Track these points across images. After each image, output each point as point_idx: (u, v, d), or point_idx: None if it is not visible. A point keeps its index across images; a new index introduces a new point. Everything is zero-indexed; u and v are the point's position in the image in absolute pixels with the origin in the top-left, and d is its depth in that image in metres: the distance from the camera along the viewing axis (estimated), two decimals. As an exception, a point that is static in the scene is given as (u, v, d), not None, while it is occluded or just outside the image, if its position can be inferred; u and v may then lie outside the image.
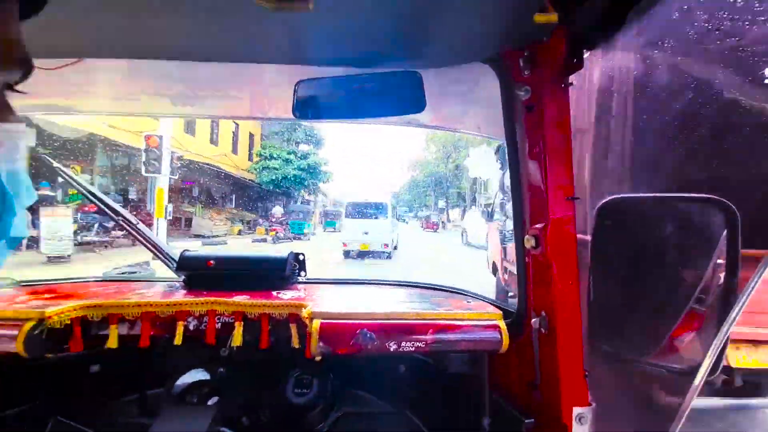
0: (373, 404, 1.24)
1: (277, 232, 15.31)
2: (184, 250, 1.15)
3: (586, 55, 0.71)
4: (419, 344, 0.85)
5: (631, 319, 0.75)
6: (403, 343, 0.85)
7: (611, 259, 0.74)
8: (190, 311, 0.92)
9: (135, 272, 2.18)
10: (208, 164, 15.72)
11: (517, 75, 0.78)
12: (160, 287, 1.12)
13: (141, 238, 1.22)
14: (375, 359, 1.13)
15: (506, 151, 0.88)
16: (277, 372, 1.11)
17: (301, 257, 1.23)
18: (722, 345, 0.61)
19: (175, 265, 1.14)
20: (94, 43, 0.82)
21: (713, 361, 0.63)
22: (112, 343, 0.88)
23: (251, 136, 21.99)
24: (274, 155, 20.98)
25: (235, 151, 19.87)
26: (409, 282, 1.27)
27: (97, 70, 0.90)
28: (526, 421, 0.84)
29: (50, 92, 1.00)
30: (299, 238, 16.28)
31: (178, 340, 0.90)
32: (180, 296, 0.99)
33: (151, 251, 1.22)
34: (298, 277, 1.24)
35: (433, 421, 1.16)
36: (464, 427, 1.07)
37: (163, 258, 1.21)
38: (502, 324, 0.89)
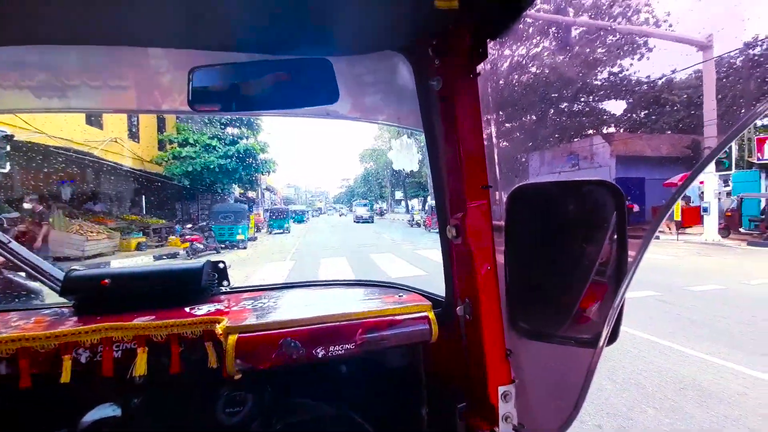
0: (315, 410, 1.18)
1: (192, 243, 11.31)
2: (71, 269, 0.97)
3: (490, 44, 0.72)
4: (348, 346, 0.81)
5: (544, 297, 0.79)
6: (331, 348, 0.81)
7: (523, 242, 0.77)
8: (77, 342, 0.78)
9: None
10: (78, 153, 10.98)
11: (428, 65, 0.77)
12: (44, 316, 0.94)
13: (13, 258, 1.01)
14: (311, 366, 1.07)
15: (425, 143, 0.87)
16: (203, 394, 1.00)
17: (221, 265, 1.12)
18: (617, 314, 0.67)
19: (59, 286, 0.96)
20: None
21: (610, 329, 0.68)
22: None
23: (161, 119, 16.79)
24: (190, 140, 15.90)
25: (135, 137, 15.09)
26: (341, 281, 1.23)
27: None
28: (459, 405, 0.86)
29: None
30: (231, 247, 12.84)
31: (65, 377, 0.76)
32: (68, 325, 0.83)
33: (29, 273, 1.01)
34: (220, 288, 1.12)
35: (376, 418, 1.15)
36: (405, 419, 1.07)
37: (44, 279, 1.01)
38: (431, 315, 0.89)
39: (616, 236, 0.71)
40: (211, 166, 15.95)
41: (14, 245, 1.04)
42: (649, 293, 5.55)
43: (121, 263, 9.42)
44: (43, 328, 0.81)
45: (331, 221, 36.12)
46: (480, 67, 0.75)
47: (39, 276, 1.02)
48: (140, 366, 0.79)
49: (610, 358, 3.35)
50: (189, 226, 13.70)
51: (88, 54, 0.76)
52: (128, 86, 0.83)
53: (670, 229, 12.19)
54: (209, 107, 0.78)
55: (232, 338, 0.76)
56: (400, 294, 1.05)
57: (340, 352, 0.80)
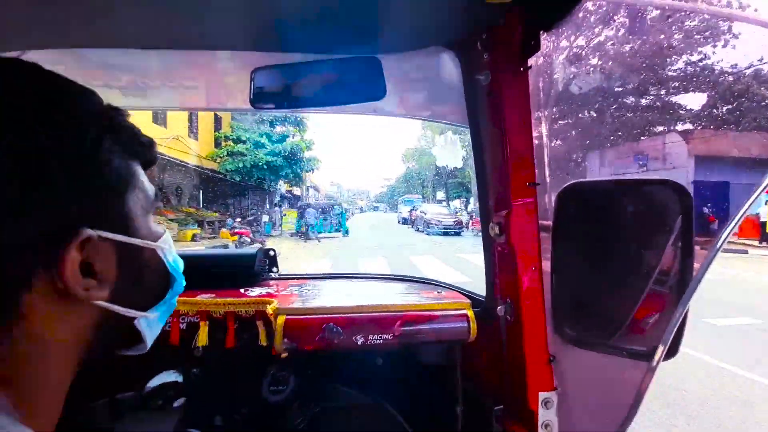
0: (352, 398, 1.23)
1: (240, 236, 12.04)
2: None
3: (543, 36, 0.69)
4: (387, 336, 0.83)
5: (593, 303, 0.75)
6: (370, 336, 0.83)
7: (572, 244, 0.74)
8: None
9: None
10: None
11: (477, 60, 0.76)
12: None
13: None
14: (351, 353, 1.11)
15: (471, 138, 0.86)
16: (252, 370, 1.08)
17: (271, 253, 1.20)
18: (678, 326, 0.62)
19: None
20: (36, 34, 0.76)
21: (670, 343, 0.63)
22: None
23: (218, 118, 17.81)
24: (242, 138, 16.73)
25: (194, 134, 16.11)
26: (382, 275, 1.26)
27: (39, 62, 0.84)
28: (496, 408, 0.84)
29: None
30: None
31: None
32: None
33: None
34: (270, 274, 1.21)
35: (410, 412, 1.16)
36: (439, 416, 1.07)
37: None
38: (470, 313, 0.88)
39: (680, 242, 0.65)
40: (260, 164, 16.54)
41: None
42: (747, 320, 4.74)
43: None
44: None
45: (371, 220, 32.36)
46: (531, 61, 0.72)
47: None
48: (202, 337, 0.88)
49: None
50: (239, 220, 14.46)
51: (166, 57, 0.87)
52: (198, 86, 0.92)
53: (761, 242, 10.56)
54: (268, 105, 0.85)
55: (281, 319, 0.81)
56: (439, 290, 1.05)
57: (378, 341, 0.82)
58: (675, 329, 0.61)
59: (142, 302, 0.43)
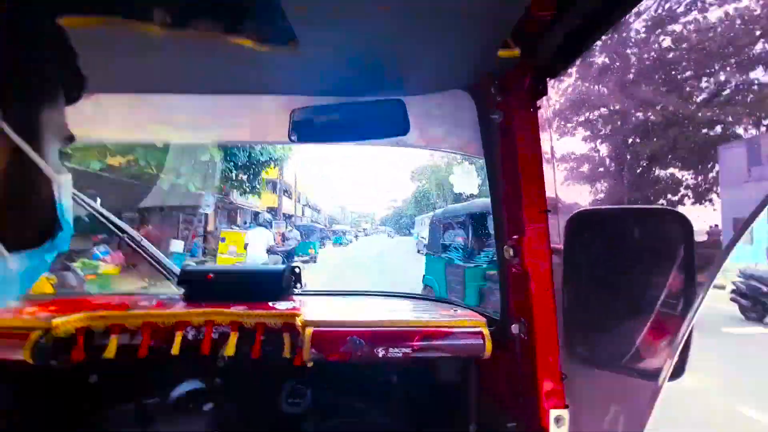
0: (366, 413, 1.27)
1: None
2: (186, 264, 1.21)
3: (550, 82, 0.79)
4: (406, 350, 0.89)
5: (603, 324, 0.80)
6: (390, 349, 0.89)
7: (582, 267, 0.79)
8: (189, 321, 0.97)
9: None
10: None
11: (491, 101, 0.86)
12: (160, 300, 1.18)
13: (145, 255, 1.28)
14: (367, 369, 1.17)
15: (485, 169, 0.95)
16: (272, 382, 1.15)
17: (297, 270, 1.29)
18: (682, 347, 0.66)
19: (176, 279, 1.20)
20: (105, 79, 0.90)
21: (676, 363, 0.67)
22: (110, 353, 0.92)
23: None
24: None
25: None
26: (400, 293, 1.32)
27: (107, 103, 0.99)
28: (509, 425, 0.88)
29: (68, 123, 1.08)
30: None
31: (175, 349, 0.94)
32: (180, 308, 1.04)
33: (154, 266, 1.28)
34: (294, 289, 1.29)
35: (424, 428, 1.19)
36: None
37: (164, 272, 1.27)
38: (485, 330, 0.93)
39: (683, 267, 0.70)
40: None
41: (145, 243, 1.32)
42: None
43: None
44: (162, 309, 1.02)
45: (374, 247, 23.55)
46: (541, 102, 0.81)
47: (161, 269, 1.28)
48: (231, 346, 0.95)
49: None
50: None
51: (218, 100, 1.00)
52: (243, 123, 1.05)
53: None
54: (304, 139, 0.96)
55: (309, 330, 0.89)
56: (455, 309, 1.11)
57: (398, 354, 0.88)
58: (679, 350, 0.65)
59: (12, 235, 0.34)
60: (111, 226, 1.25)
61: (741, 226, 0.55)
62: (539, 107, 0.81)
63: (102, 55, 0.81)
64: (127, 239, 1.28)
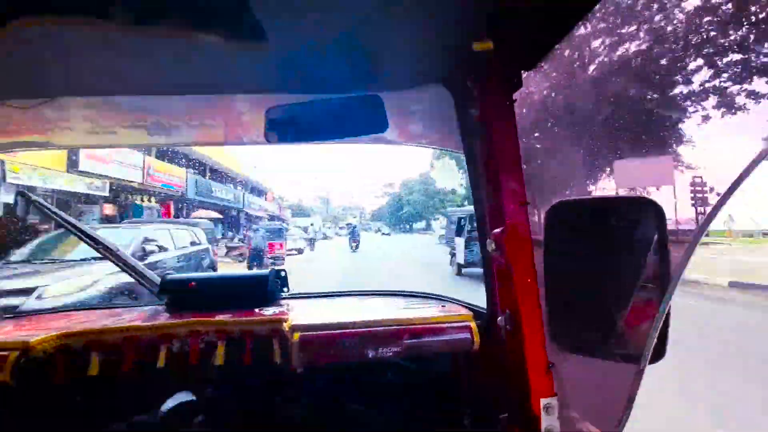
0: (362, 414, 1.26)
1: None
2: (165, 274, 1.17)
3: (524, 75, 0.79)
4: (396, 349, 0.89)
5: (585, 312, 0.81)
6: (381, 349, 0.89)
7: (562, 257, 0.80)
8: (173, 333, 0.94)
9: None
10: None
11: (467, 94, 0.86)
12: (142, 312, 1.14)
13: (121, 264, 1.24)
14: (358, 368, 1.16)
15: (466, 163, 0.95)
16: (265, 390, 1.12)
17: (282, 273, 1.27)
18: (660, 329, 0.68)
19: (157, 289, 1.16)
20: (69, 82, 0.86)
21: (654, 345, 0.69)
22: (94, 370, 0.88)
23: None
24: None
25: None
26: (388, 291, 1.32)
27: (73, 106, 0.94)
28: (501, 416, 0.89)
29: (27, 129, 1.03)
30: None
31: (161, 362, 0.92)
32: (162, 319, 1.01)
33: (133, 276, 1.23)
34: (281, 293, 1.27)
35: (420, 424, 1.19)
36: (448, 427, 1.11)
37: (144, 283, 1.22)
38: (473, 324, 0.94)
39: (657, 252, 0.72)
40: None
41: (121, 252, 1.27)
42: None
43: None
44: (143, 321, 0.99)
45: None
46: (517, 94, 0.82)
47: (140, 279, 1.24)
48: (220, 356, 0.93)
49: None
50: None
51: (189, 101, 0.96)
52: (217, 124, 1.02)
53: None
54: (281, 140, 0.94)
55: (297, 335, 0.87)
56: (443, 304, 1.11)
57: (388, 353, 0.88)
58: (658, 332, 0.67)
59: None
60: (86, 238, 1.20)
61: (707, 216, 0.58)
62: (515, 100, 0.82)
63: (63, 57, 0.77)
64: (102, 250, 1.23)
